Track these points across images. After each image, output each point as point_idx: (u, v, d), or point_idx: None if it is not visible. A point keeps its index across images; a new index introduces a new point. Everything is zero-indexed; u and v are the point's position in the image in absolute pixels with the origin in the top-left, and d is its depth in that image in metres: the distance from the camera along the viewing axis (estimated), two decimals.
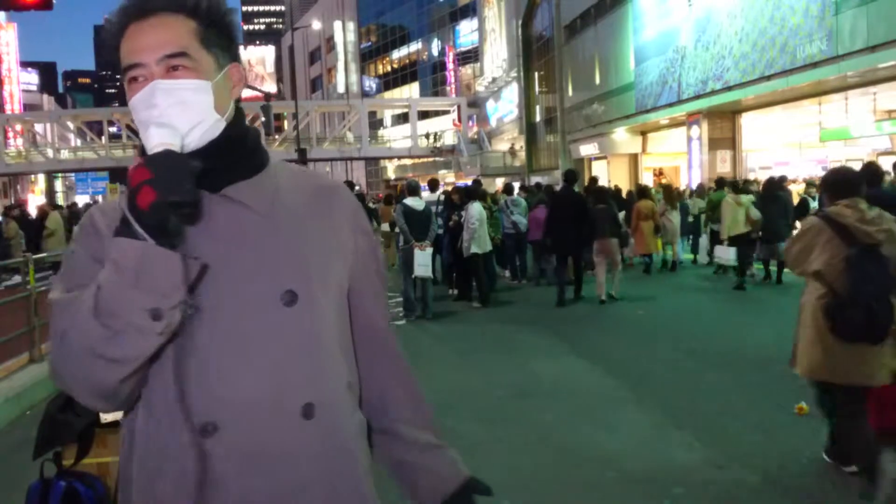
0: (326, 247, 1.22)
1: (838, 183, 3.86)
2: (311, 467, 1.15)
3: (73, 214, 18.29)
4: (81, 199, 36.66)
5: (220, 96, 1.15)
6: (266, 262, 1.14)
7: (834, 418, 3.90)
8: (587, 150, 32.51)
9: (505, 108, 46.69)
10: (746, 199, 10.33)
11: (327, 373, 1.18)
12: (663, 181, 22.59)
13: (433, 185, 13.19)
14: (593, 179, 13.51)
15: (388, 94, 67.24)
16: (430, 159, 51.35)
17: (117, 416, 2.71)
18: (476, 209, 10.09)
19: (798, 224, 11.14)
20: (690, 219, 13.75)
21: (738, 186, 11.63)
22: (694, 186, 19.25)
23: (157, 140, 1.05)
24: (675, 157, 27.44)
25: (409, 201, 9.20)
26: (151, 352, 1.06)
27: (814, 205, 12.11)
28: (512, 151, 43.22)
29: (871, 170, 5.82)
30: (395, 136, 55.74)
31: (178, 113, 1.09)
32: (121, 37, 1.15)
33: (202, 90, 1.12)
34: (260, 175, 1.20)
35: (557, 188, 12.21)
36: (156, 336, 1.03)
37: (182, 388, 1.10)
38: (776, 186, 10.59)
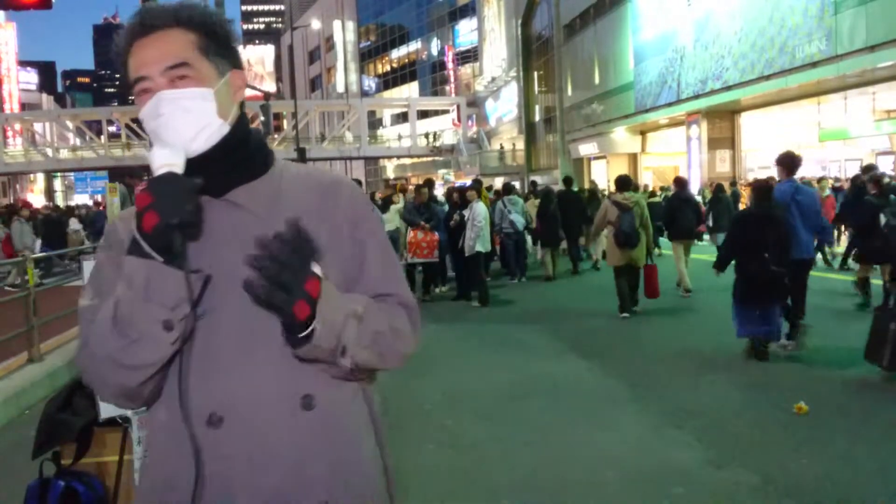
0: (325, 245, 1.22)
1: (619, 183, 9.25)
2: (313, 457, 1.20)
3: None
4: (81, 199, 36.72)
5: (222, 102, 1.22)
6: None
7: (624, 294, 8.75)
8: (586, 149, 32.51)
9: (504, 107, 46.71)
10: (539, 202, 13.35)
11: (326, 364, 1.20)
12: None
13: (429, 186, 13.19)
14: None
15: (387, 94, 67.22)
16: (430, 159, 51.36)
17: (118, 413, 2.71)
18: (482, 208, 10.12)
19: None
20: None
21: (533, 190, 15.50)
22: (695, 185, 19.34)
23: (159, 162, 1.13)
24: (675, 156, 27.47)
25: None
26: (165, 359, 1.14)
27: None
28: (501, 153, 43.43)
29: (681, 181, 11.31)
30: (395, 136, 55.75)
31: (182, 120, 1.17)
32: (127, 55, 1.23)
33: (204, 97, 1.20)
34: (262, 178, 1.27)
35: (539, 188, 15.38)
36: (169, 346, 1.12)
37: (187, 385, 1.17)
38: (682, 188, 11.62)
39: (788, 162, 6.77)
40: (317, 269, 1.10)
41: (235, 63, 1.28)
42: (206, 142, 1.19)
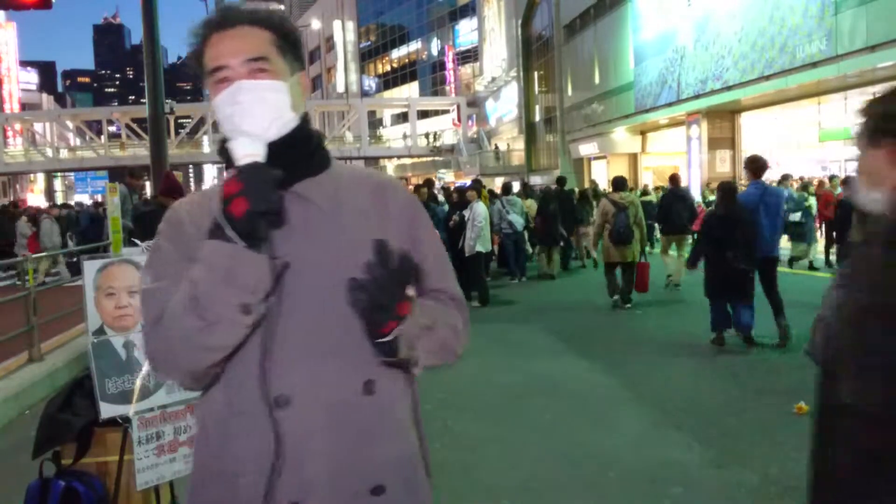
0: (389, 228, 1.32)
1: (615, 183, 9.80)
2: (371, 440, 1.28)
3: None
4: (81, 199, 36.70)
5: (294, 98, 1.31)
6: (332, 254, 1.27)
7: (612, 283, 9.43)
8: (587, 149, 32.49)
9: (504, 107, 46.69)
10: (529, 202, 13.78)
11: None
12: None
13: (429, 185, 13.22)
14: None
15: (387, 94, 67.21)
16: (430, 159, 51.36)
17: (118, 413, 2.71)
18: (482, 208, 10.14)
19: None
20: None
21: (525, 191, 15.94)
22: (695, 185, 19.40)
23: (243, 151, 1.19)
24: (675, 156, 27.45)
25: None
26: (240, 340, 1.20)
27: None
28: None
29: (675, 178, 11.44)
30: (395, 136, 55.74)
31: (259, 109, 1.24)
32: (204, 45, 1.31)
33: (280, 90, 1.28)
34: (324, 174, 1.35)
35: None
36: (245, 328, 1.19)
37: (262, 367, 1.23)
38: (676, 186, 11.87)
39: (755, 166, 7.11)
40: (410, 290, 1.20)
41: (302, 66, 1.37)
42: (277, 132, 1.26)
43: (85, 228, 16.54)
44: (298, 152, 1.31)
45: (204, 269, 1.16)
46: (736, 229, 6.57)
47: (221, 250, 1.15)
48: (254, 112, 1.23)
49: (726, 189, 6.99)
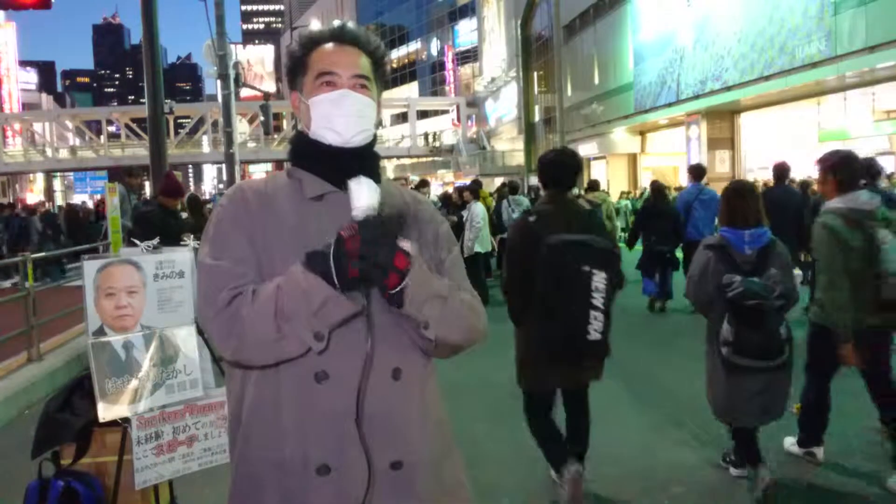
0: (418, 242, 1.50)
1: (589, 185, 12.75)
2: (396, 419, 1.46)
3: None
4: (80, 199, 36.63)
5: (375, 115, 1.58)
6: None
7: None
8: (586, 149, 32.49)
9: (504, 107, 46.69)
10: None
11: (411, 343, 1.49)
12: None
13: (425, 186, 13.27)
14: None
15: (386, 94, 65.91)
16: (429, 159, 51.35)
17: (115, 415, 2.70)
18: (480, 209, 10.15)
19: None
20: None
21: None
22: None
23: (366, 203, 1.37)
24: (674, 156, 27.47)
25: None
26: (301, 353, 1.38)
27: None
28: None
29: (656, 186, 10.85)
30: (394, 136, 55.77)
31: (355, 118, 1.52)
32: (314, 47, 1.58)
33: (372, 107, 1.57)
34: (379, 185, 1.51)
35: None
36: (309, 347, 1.36)
37: (372, 347, 1.42)
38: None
39: (696, 171, 9.30)
40: (406, 245, 1.36)
41: (384, 88, 1.68)
42: (360, 141, 1.53)
43: (17, 235, 15.93)
44: (368, 163, 1.55)
45: (298, 295, 1.32)
46: (660, 220, 8.62)
47: (321, 290, 1.31)
48: (351, 119, 1.50)
49: (656, 188, 9.22)
